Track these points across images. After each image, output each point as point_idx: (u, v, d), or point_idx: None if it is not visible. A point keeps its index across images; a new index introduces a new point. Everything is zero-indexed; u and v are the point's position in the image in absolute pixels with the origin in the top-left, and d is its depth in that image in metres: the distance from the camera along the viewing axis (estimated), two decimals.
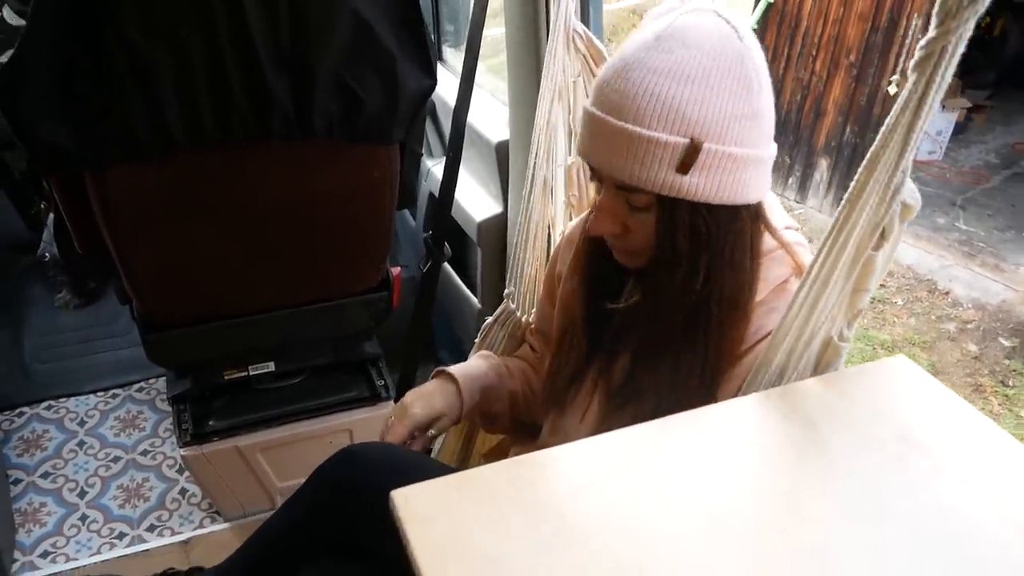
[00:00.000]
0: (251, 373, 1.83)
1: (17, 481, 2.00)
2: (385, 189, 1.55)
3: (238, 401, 1.87)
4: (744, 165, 0.86)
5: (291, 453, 1.87)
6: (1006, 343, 3.45)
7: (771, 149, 0.90)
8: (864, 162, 0.72)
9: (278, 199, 1.49)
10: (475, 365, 1.26)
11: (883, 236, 0.75)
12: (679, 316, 0.94)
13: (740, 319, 0.93)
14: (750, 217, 0.92)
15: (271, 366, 1.84)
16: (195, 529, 1.91)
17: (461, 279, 2.14)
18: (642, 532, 0.64)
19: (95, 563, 1.80)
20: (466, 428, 1.49)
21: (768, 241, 0.96)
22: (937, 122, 4.59)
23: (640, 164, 0.85)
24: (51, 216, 2.03)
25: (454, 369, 1.23)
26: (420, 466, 1.12)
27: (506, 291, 1.38)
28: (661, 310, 0.95)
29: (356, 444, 1.17)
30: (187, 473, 2.04)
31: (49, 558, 1.83)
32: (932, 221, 4.19)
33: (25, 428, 2.15)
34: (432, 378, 1.24)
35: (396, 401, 1.92)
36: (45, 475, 2.03)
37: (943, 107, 4.49)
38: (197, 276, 1.56)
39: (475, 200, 1.96)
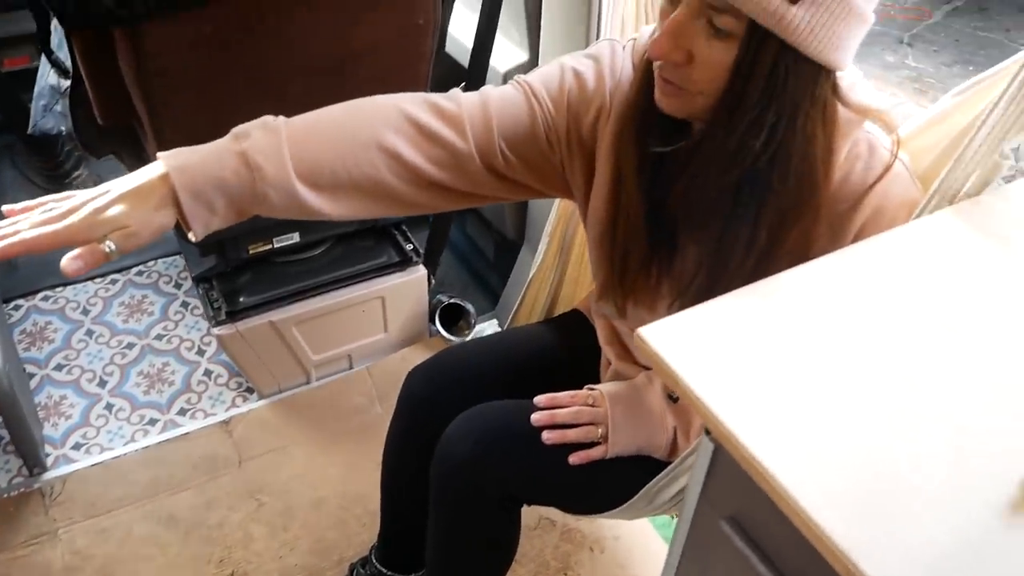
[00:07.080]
0: (276, 245, 1.77)
1: (30, 375, 1.90)
2: (427, 37, 1.45)
3: (265, 276, 1.81)
4: (849, 16, 0.79)
5: (325, 325, 1.83)
6: None
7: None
8: None
9: (318, 53, 1.38)
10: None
11: None
12: (732, 177, 0.86)
13: (804, 205, 0.87)
14: (829, 87, 0.84)
15: (295, 236, 1.78)
16: (228, 409, 1.87)
17: None
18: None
19: (135, 450, 1.76)
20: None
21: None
22: None
23: None
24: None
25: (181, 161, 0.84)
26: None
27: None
28: (711, 166, 0.87)
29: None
30: (208, 354, 1.98)
31: (82, 449, 1.77)
32: (882, 59, 4.24)
33: (25, 321, 2.03)
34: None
35: (426, 264, 1.89)
36: (59, 367, 1.93)
37: None
38: None
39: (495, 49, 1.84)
